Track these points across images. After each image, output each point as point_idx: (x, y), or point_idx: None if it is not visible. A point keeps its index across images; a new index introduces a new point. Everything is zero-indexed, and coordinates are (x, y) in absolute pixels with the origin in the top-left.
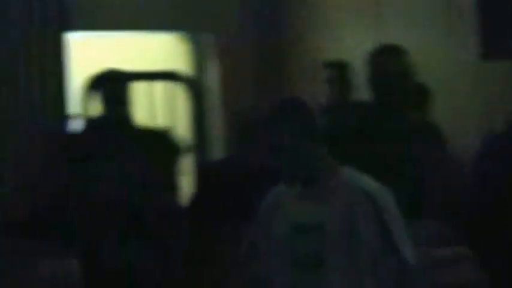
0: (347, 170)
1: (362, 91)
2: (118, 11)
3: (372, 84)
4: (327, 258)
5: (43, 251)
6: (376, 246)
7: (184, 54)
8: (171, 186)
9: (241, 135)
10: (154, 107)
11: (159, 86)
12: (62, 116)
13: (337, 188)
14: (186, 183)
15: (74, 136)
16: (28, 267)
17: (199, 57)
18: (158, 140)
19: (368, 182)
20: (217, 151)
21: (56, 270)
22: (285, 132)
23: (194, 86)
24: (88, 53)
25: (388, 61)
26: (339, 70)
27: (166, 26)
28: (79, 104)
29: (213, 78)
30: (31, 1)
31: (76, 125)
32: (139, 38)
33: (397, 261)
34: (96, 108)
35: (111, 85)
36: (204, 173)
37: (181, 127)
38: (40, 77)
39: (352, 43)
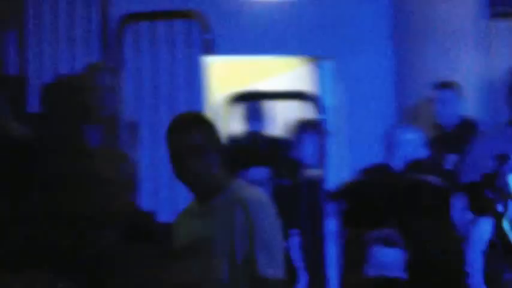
0: (237, 184)
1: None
2: (253, 36)
3: None
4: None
5: None
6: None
7: (310, 76)
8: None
9: None
10: (282, 124)
11: (287, 105)
12: None
13: (224, 202)
14: None
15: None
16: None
17: (322, 79)
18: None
19: (250, 193)
20: (339, 169)
21: None
22: (178, 147)
23: (319, 106)
24: (226, 74)
25: None
26: (450, 91)
27: (295, 50)
28: (218, 121)
29: (335, 99)
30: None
31: None
32: (271, 60)
33: (254, 272)
34: (235, 124)
35: (250, 103)
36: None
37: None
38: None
39: (465, 66)
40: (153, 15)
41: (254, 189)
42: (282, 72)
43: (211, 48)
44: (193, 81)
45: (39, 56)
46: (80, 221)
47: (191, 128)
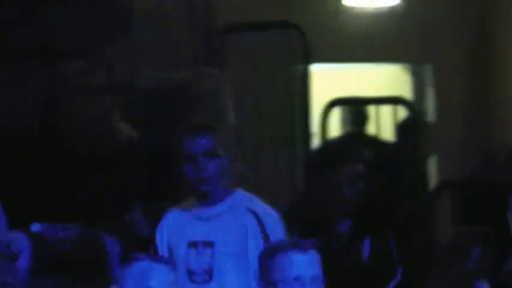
0: (239, 192)
1: None
2: (351, 46)
3: None
4: (216, 274)
5: None
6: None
7: (406, 83)
8: None
9: None
10: (380, 127)
11: (384, 110)
12: (307, 137)
13: (232, 208)
14: None
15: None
16: None
17: (418, 85)
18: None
19: (257, 204)
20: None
21: None
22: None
23: (415, 110)
24: (327, 82)
25: None
26: None
27: (391, 58)
28: (319, 126)
29: (430, 104)
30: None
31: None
32: (369, 69)
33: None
34: (334, 131)
35: (350, 109)
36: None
37: None
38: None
39: None
40: (254, 26)
41: (259, 200)
42: (378, 78)
43: (311, 58)
44: (293, 90)
45: (146, 64)
46: None
47: (206, 132)
